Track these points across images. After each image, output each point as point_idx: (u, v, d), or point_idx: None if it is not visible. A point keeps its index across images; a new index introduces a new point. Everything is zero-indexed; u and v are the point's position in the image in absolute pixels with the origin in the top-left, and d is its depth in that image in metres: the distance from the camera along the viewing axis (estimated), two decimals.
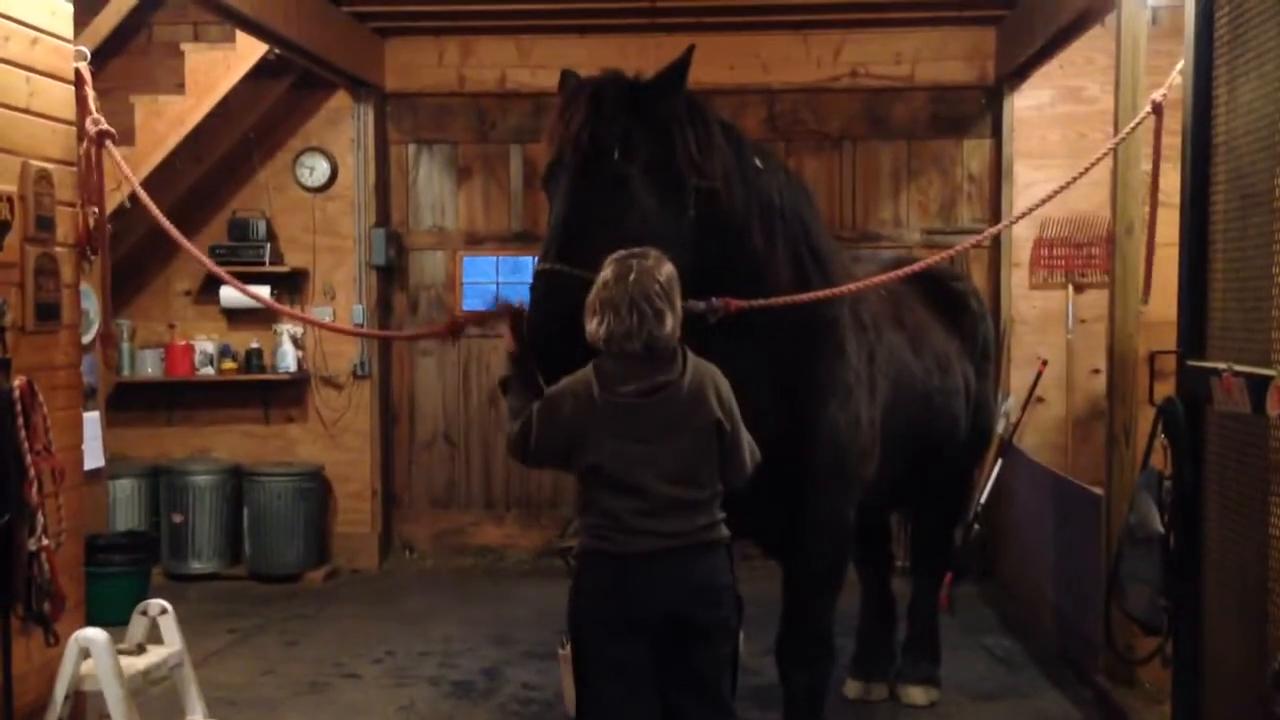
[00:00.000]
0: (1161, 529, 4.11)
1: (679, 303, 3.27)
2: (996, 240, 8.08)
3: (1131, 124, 4.76)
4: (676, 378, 3.26)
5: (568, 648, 3.39)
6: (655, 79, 3.65)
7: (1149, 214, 4.66)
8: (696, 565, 3.29)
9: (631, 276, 3.19)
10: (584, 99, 3.55)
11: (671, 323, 3.24)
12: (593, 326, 3.22)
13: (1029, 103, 8.05)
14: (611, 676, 3.29)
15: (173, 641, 4.61)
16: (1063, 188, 4.48)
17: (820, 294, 3.98)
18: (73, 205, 4.46)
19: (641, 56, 8.37)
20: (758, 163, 3.95)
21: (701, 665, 3.34)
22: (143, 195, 4.73)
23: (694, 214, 3.62)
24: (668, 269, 3.26)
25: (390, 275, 8.54)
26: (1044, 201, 4.57)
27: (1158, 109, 4.51)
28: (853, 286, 4.14)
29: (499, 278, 8.58)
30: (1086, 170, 4.42)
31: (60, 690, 4.14)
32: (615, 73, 3.67)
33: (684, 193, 3.60)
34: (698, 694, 3.34)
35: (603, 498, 3.29)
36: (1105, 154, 4.56)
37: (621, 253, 3.27)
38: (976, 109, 8.23)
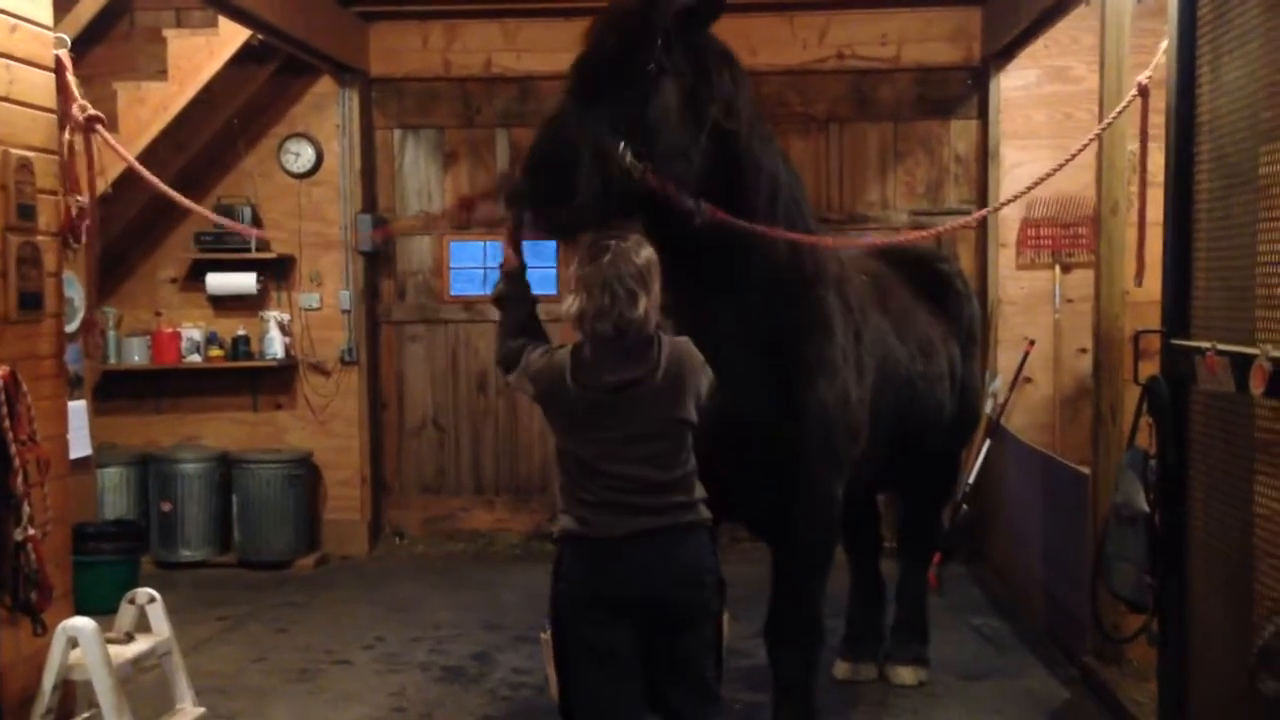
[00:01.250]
0: (1147, 508, 4.13)
1: (655, 288, 3.23)
2: (983, 221, 8.09)
3: (1117, 109, 4.75)
4: (649, 373, 3.22)
5: (549, 633, 3.39)
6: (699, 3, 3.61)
7: (1139, 195, 4.67)
8: (676, 548, 3.29)
9: (607, 257, 3.17)
10: (634, 4, 3.51)
11: (644, 305, 3.19)
12: (567, 304, 3.22)
13: (1015, 83, 8.04)
14: (593, 661, 3.29)
15: (161, 630, 4.60)
16: (1048, 175, 4.50)
17: (805, 237, 3.98)
18: (54, 194, 4.43)
19: None
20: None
21: (684, 650, 3.33)
22: (141, 170, 4.71)
23: (707, 144, 3.59)
24: (646, 253, 3.23)
25: (377, 261, 8.51)
26: (1029, 189, 4.59)
27: (1144, 91, 4.51)
28: (841, 241, 4.17)
29: (486, 263, 8.55)
30: (1072, 158, 4.43)
31: (49, 680, 4.14)
32: None
33: (704, 122, 3.57)
34: (681, 678, 3.34)
35: (577, 481, 3.30)
36: (1089, 141, 4.56)
37: (600, 233, 3.25)
38: (963, 90, 8.22)
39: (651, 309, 3.22)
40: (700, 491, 3.36)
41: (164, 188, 4.66)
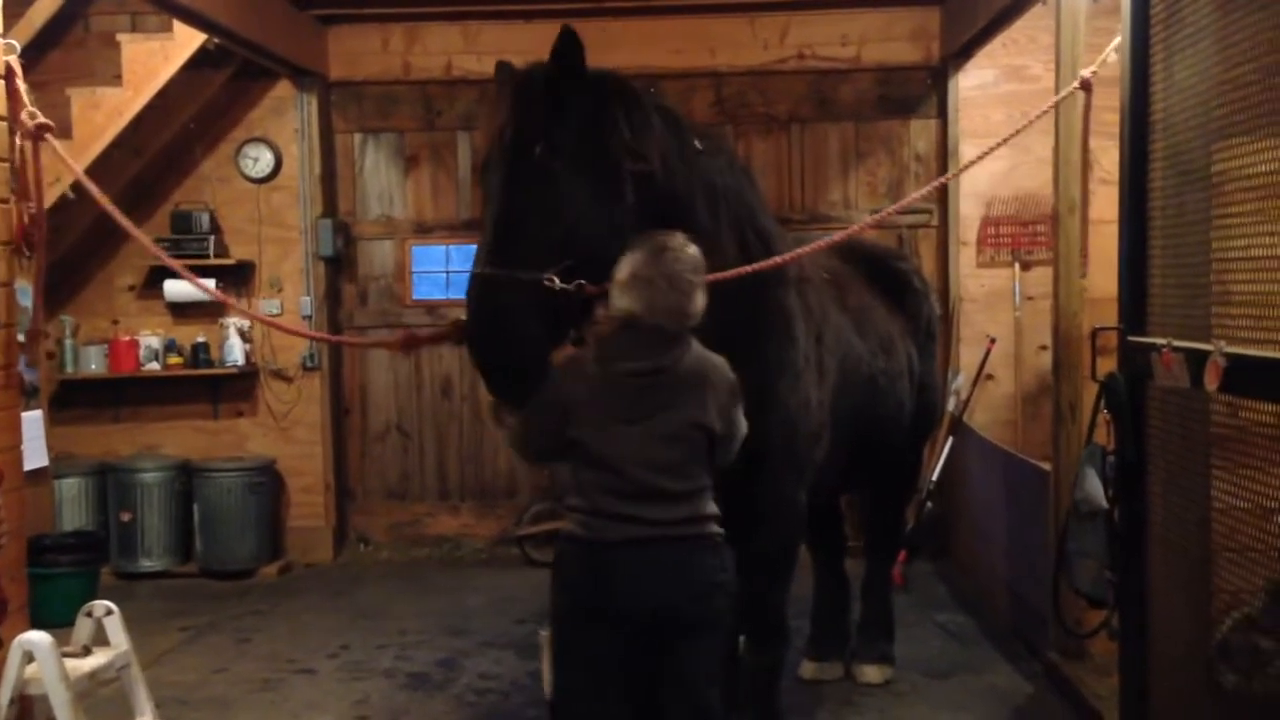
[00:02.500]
0: (1106, 504, 4.15)
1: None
2: (944, 219, 8.15)
3: (1059, 95, 4.80)
4: (672, 364, 3.28)
5: (548, 632, 3.39)
6: (550, 64, 3.56)
7: (1081, 187, 4.74)
8: (681, 559, 3.28)
9: (669, 255, 3.28)
10: (506, 94, 3.55)
11: (702, 300, 3.31)
12: (625, 302, 3.26)
13: (973, 82, 8.09)
14: (579, 668, 3.30)
15: (119, 642, 4.54)
16: (980, 158, 4.57)
17: (759, 265, 3.96)
18: (5, 202, 4.36)
19: (589, 42, 8.27)
20: (698, 144, 3.93)
21: (685, 665, 3.31)
22: (87, 183, 4.62)
23: (632, 199, 3.59)
24: (695, 249, 3.36)
25: (338, 266, 8.45)
26: (960, 172, 4.66)
27: (1086, 86, 4.54)
28: (789, 255, 4.12)
29: (449, 266, 8.51)
30: (1007, 140, 4.56)
31: (4, 695, 4.08)
32: (536, 64, 3.61)
33: (619, 178, 3.56)
34: (678, 690, 3.32)
35: (585, 477, 3.31)
36: (1030, 123, 4.60)
37: (648, 234, 3.34)
38: (922, 89, 8.26)
39: (704, 304, 3.32)
40: (714, 508, 3.37)
41: (111, 208, 4.53)
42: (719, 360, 3.39)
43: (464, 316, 3.47)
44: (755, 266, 3.95)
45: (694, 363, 3.32)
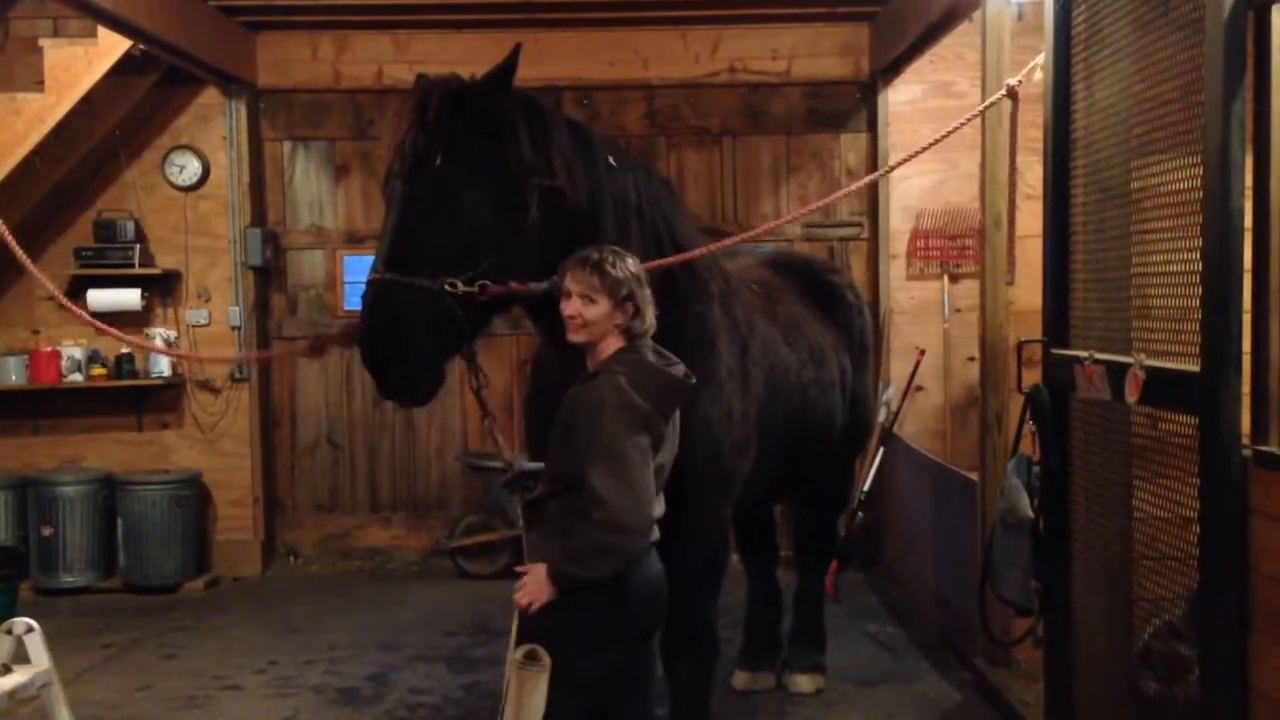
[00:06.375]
0: (1031, 514, 4.22)
1: None
2: (874, 233, 8.26)
3: (985, 103, 4.89)
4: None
5: (520, 656, 3.23)
6: (482, 79, 3.63)
7: (1010, 188, 4.85)
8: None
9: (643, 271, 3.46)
10: (410, 105, 3.56)
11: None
12: (652, 315, 3.43)
13: (902, 98, 8.21)
14: (577, 693, 3.31)
15: (40, 660, 4.42)
16: (900, 162, 4.68)
17: (662, 262, 3.96)
18: None
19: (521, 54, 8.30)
20: (611, 160, 3.94)
21: (648, 665, 3.51)
22: None
23: (537, 213, 3.61)
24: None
25: (268, 276, 8.34)
26: (880, 175, 4.70)
27: (1013, 94, 4.64)
28: (687, 255, 4.11)
29: None
30: (932, 145, 4.63)
31: None
32: (445, 76, 3.64)
33: (523, 192, 3.59)
34: (641, 693, 3.47)
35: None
36: (957, 127, 4.66)
37: (605, 251, 3.41)
38: (852, 104, 8.36)
39: None
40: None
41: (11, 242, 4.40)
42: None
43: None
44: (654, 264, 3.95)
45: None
